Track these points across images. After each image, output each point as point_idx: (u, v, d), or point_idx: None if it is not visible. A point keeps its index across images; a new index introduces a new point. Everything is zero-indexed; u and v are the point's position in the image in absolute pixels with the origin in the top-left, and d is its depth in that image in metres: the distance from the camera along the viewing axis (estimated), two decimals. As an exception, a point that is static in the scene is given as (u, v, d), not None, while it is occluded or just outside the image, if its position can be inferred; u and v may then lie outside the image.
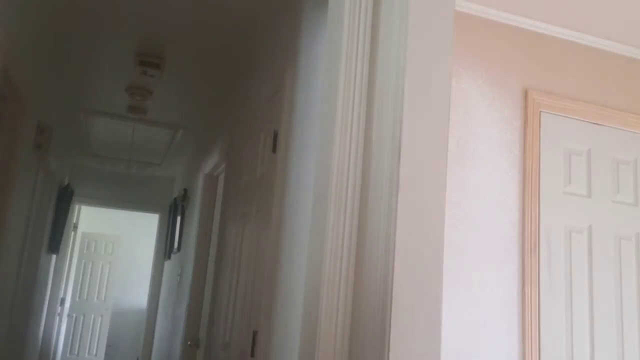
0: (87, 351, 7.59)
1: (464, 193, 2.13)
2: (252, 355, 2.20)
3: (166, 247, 6.10)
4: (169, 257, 5.91)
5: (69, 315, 7.22)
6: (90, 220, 7.96)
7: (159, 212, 6.74)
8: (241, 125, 3.21)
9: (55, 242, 5.47)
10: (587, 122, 2.36)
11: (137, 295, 8.40)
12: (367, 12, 1.29)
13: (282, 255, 2.07)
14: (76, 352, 7.55)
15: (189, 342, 3.79)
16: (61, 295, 6.57)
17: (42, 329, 5.94)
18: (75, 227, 6.95)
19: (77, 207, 6.79)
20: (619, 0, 2.17)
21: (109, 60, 3.31)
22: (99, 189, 6.53)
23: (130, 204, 6.69)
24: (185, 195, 5.32)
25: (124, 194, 6.61)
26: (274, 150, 2.32)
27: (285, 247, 2.05)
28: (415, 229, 1.10)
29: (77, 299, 7.58)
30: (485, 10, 2.26)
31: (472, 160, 2.17)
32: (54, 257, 5.90)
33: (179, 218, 5.45)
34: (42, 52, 3.20)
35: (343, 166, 1.22)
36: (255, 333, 2.20)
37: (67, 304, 6.99)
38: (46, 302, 5.93)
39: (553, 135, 2.30)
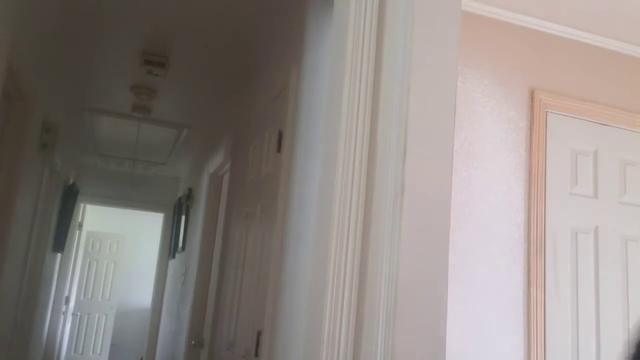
0: (91, 350, 7.61)
1: (470, 193, 2.12)
2: (257, 355, 2.20)
3: (171, 247, 6.11)
4: (174, 257, 5.92)
5: (73, 314, 7.24)
6: (95, 219, 7.98)
7: (163, 211, 6.75)
8: (246, 125, 3.21)
9: (60, 241, 5.49)
10: (594, 122, 2.35)
11: (142, 294, 8.42)
12: (373, 12, 1.28)
13: (287, 255, 2.07)
14: (80, 351, 7.57)
15: (193, 342, 3.80)
16: (66, 294, 6.58)
17: (47, 327, 5.96)
18: (80, 226, 6.97)
19: (82, 206, 6.81)
20: (626, 0, 2.16)
21: (114, 59, 3.31)
22: (104, 188, 6.54)
23: (135, 203, 6.70)
24: (190, 195, 5.32)
25: (129, 193, 6.63)
26: (279, 150, 2.31)
27: (290, 247, 2.04)
28: (420, 230, 1.10)
29: (81, 297, 7.61)
30: (492, 9, 2.25)
31: (478, 160, 2.16)
32: (59, 255, 5.92)
33: (183, 217, 5.45)
34: (47, 51, 3.21)
35: (348, 166, 1.21)
36: (259, 333, 2.20)
37: (72, 303, 7.00)
38: (51, 301, 5.95)
39: (559, 136, 2.29)
